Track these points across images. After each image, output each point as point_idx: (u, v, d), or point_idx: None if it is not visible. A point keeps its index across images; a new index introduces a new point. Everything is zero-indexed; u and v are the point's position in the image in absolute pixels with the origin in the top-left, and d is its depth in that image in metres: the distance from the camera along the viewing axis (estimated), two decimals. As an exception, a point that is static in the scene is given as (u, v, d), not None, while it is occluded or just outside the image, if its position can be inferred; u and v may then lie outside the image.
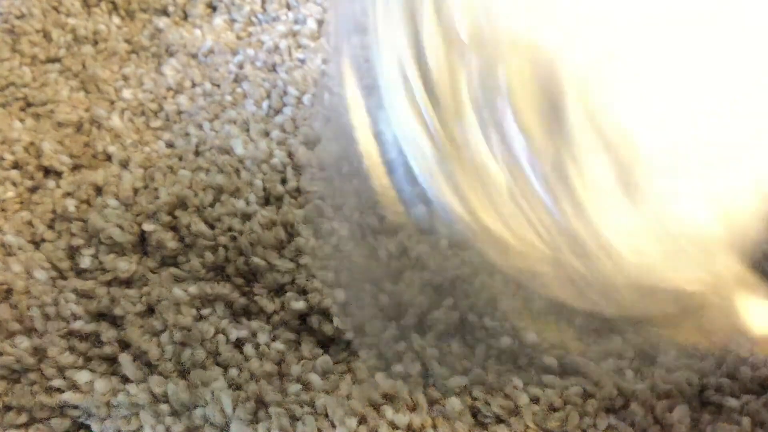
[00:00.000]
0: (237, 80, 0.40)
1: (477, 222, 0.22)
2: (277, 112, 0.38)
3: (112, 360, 0.29)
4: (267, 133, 0.37)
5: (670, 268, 0.22)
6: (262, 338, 0.30)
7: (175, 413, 0.28)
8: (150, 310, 0.31)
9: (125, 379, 0.29)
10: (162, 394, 0.28)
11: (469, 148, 0.21)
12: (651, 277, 0.22)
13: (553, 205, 0.21)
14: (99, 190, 0.35)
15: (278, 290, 0.32)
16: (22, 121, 0.38)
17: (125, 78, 0.41)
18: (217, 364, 0.30)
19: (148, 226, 0.33)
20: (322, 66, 0.40)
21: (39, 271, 0.32)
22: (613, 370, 0.29)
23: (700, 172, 0.21)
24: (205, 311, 0.31)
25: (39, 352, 0.29)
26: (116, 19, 0.44)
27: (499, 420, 0.28)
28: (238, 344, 0.30)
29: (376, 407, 0.28)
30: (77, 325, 0.30)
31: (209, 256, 0.32)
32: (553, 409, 0.28)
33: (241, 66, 0.41)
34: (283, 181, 0.35)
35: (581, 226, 0.21)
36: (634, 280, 0.22)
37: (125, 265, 0.32)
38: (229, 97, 0.39)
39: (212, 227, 0.34)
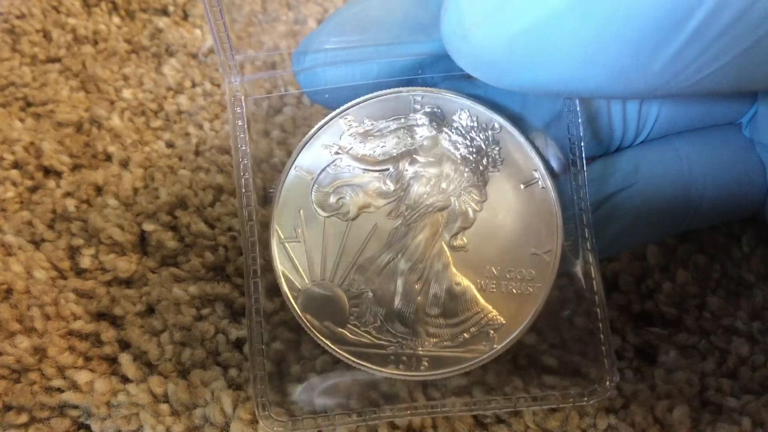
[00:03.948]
0: (238, 80, 0.40)
1: None
2: (277, 111, 0.38)
3: (112, 360, 0.29)
4: (267, 133, 0.37)
5: None
6: (263, 338, 0.30)
7: (175, 413, 0.28)
8: (150, 310, 0.31)
9: (125, 379, 0.29)
10: (162, 394, 0.28)
11: None
12: None
13: None
14: (99, 190, 0.35)
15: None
16: (22, 121, 0.38)
17: (125, 78, 0.41)
18: (217, 364, 0.30)
19: (148, 226, 0.33)
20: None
21: (39, 271, 0.32)
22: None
23: None
24: (205, 311, 0.31)
25: (39, 352, 0.29)
26: (116, 19, 0.44)
27: (499, 420, 0.28)
28: (238, 344, 0.30)
29: (376, 407, 0.28)
30: (77, 325, 0.30)
31: (209, 256, 0.32)
32: (553, 409, 0.28)
33: (241, 66, 0.41)
34: (283, 181, 0.35)
35: None
36: None
37: (125, 265, 0.32)
38: (229, 97, 0.39)
39: (212, 227, 0.34)
